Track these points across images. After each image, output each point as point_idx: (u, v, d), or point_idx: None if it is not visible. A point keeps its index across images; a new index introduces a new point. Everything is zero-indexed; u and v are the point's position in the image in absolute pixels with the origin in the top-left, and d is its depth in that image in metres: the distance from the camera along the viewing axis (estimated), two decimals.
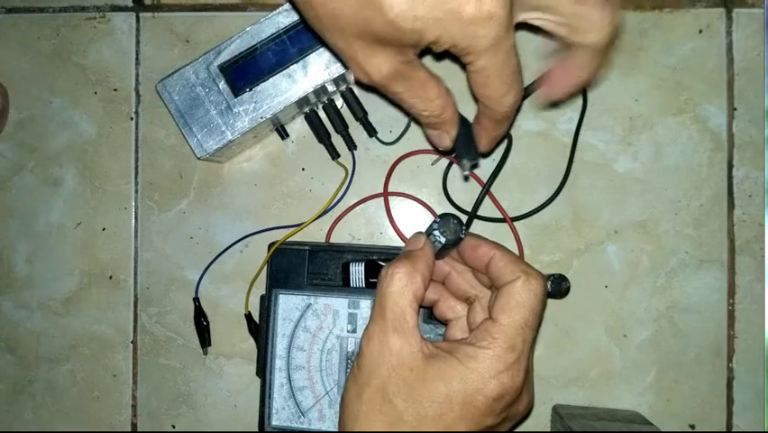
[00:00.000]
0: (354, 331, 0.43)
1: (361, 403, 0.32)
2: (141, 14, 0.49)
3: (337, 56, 0.39)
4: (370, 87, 0.33)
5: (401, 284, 0.32)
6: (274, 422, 0.44)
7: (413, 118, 0.46)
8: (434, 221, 0.35)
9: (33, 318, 0.50)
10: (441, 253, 0.36)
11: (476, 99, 0.34)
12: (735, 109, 0.45)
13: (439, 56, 0.41)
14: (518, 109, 0.45)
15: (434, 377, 0.31)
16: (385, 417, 0.32)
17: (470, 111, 0.37)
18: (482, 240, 0.35)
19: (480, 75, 0.31)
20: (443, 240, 0.34)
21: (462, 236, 0.35)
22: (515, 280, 0.33)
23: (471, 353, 0.31)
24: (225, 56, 0.43)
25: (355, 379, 0.33)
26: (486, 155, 0.38)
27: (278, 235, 0.47)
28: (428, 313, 0.42)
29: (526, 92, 0.44)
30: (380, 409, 0.32)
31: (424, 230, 0.36)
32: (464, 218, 0.46)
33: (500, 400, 0.31)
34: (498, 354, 0.31)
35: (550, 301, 0.45)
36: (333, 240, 0.47)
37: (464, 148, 0.37)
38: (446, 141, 0.36)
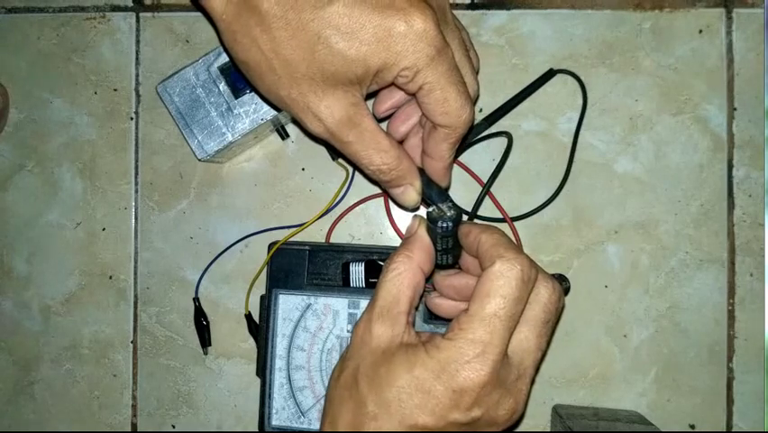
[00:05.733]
0: None
1: (336, 387, 0.33)
2: (141, 14, 0.49)
3: (281, 111, 0.39)
4: (322, 142, 0.33)
5: (395, 273, 0.33)
6: (274, 422, 0.44)
7: (377, 184, 0.41)
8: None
9: (33, 318, 0.50)
10: (446, 246, 0.35)
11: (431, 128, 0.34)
12: (735, 109, 0.45)
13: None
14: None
15: (399, 363, 0.31)
16: (352, 401, 0.32)
17: None
18: (473, 225, 0.34)
19: (435, 91, 0.32)
20: (445, 225, 0.33)
21: (452, 214, 0.34)
22: (491, 266, 0.31)
23: (437, 342, 0.31)
24: (226, 57, 0.43)
25: (340, 363, 0.34)
26: (447, 188, 0.37)
27: (278, 235, 0.47)
28: (429, 313, 0.42)
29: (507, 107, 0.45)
30: (350, 393, 0.32)
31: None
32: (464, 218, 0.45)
33: (463, 394, 0.30)
34: (460, 346, 0.30)
35: None
36: (333, 240, 0.47)
37: (433, 194, 0.36)
38: (413, 195, 0.36)
